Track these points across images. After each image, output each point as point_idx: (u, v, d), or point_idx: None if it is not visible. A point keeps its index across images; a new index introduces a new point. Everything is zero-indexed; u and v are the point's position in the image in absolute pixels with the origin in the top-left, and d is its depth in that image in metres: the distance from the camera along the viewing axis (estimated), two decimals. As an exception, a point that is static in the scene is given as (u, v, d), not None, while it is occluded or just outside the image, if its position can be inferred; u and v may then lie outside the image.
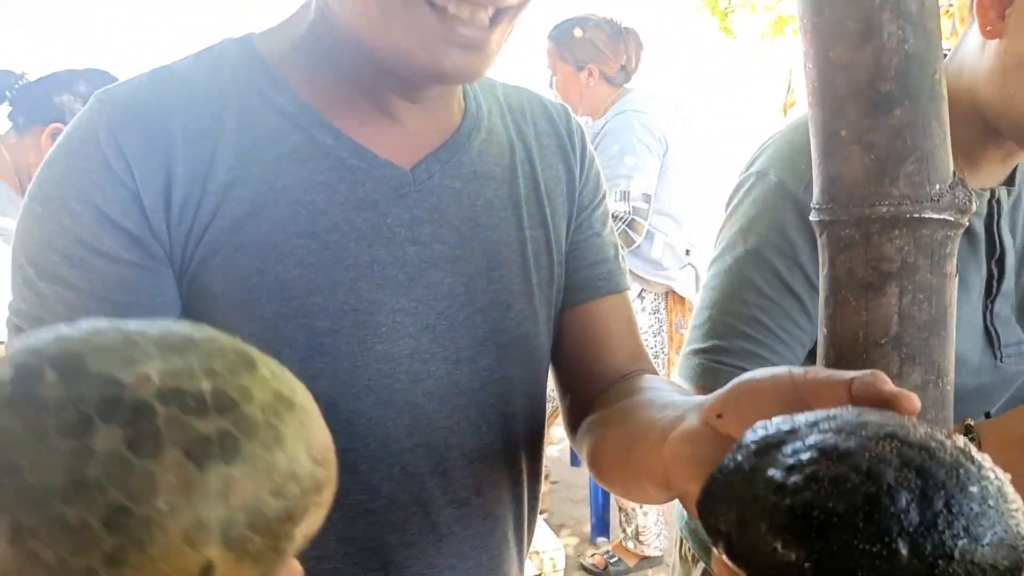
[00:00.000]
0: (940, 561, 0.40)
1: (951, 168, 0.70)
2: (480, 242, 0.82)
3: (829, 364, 0.75)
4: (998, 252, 1.09)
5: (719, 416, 0.56)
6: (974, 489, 0.42)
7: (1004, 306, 1.11)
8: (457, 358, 0.81)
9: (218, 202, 0.72)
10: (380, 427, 0.78)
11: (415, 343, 0.78)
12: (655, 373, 0.92)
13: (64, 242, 0.70)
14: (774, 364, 1.03)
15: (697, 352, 1.07)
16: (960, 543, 0.40)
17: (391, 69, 0.73)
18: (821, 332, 0.75)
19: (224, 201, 0.73)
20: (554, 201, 0.90)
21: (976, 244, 1.08)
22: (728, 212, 1.11)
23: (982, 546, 0.40)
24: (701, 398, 0.61)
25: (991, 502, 0.41)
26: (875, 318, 0.71)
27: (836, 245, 0.72)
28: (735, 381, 0.56)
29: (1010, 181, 1.11)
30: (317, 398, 0.46)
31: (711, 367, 1.04)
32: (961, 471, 0.42)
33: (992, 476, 0.43)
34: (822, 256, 0.74)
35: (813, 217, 0.74)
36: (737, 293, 1.05)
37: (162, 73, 0.76)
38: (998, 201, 1.09)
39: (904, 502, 0.40)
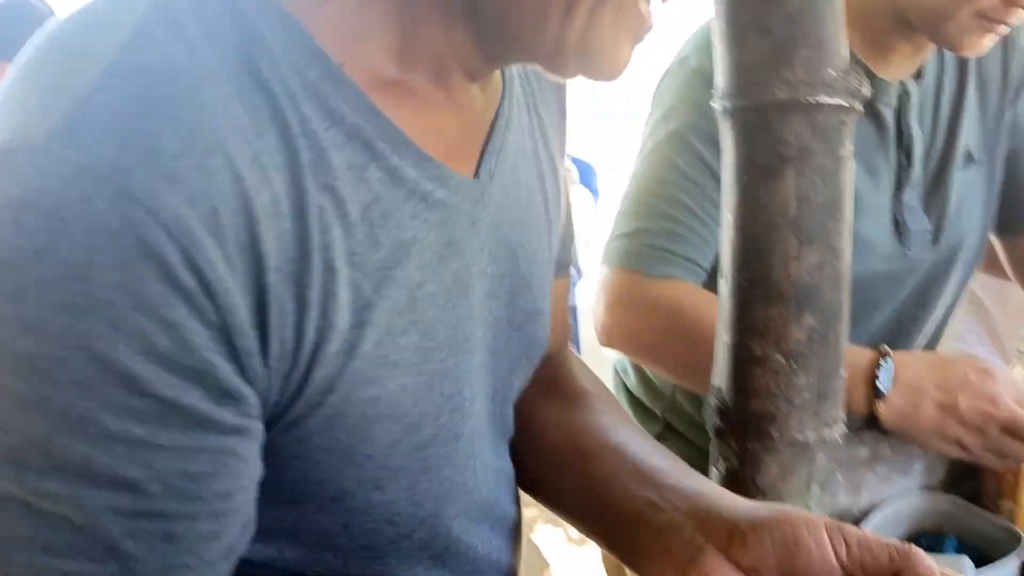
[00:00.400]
0: None
1: (846, 55, 0.73)
2: (524, 247, 0.65)
3: (733, 248, 0.79)
4: (906, 143, 1.13)
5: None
6: None
7: (912, 196, 1.16)
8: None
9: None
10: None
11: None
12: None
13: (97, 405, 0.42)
14: (695, 245, 1.07)
15: (620, 236, 1.10)
16: None
17: None
18: (725, 216, 0.79)
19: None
20: (553, 151, 0.72)
21: (885, 135, 1.12)
22: (653, 103, 1.14)
23: None
24: (692, 504, 0.59)
25: None
26: (774, 201, 0.75)
27: (737, 130, 0.75)
28: (768, 533, 0.54)
29: (920, 74, 1.14)
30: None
31: (635, 249, 1.08)
32: None
33: None
34: (724, 142, 0.77)
35: (716, 104, 0.77)
36: (659, 175, 1.08)
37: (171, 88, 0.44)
38: (907, 93, 1.12)
39: None
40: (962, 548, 1.04)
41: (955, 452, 1.00)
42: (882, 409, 0.98)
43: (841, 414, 0.83)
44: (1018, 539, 0.99)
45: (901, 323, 1.22)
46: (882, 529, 1.06)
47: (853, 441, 1.03)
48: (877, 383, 0.98)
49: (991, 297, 1.62)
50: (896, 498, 1.07)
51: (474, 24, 0.54)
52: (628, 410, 1.26)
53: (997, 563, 0.96)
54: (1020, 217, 1.28)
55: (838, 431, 0.82)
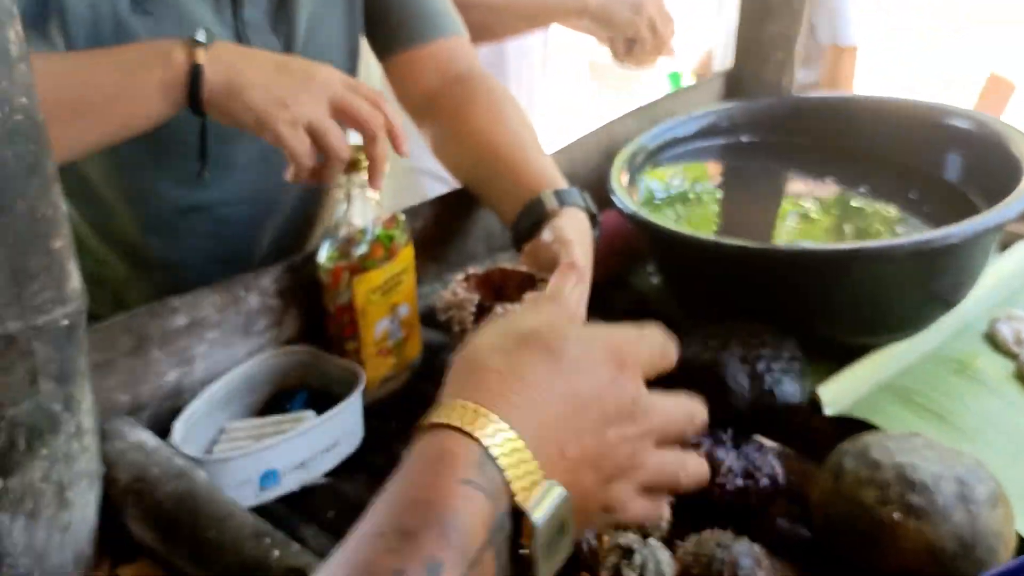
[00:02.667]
0: None
1: None
2: None
3: None
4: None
5: None
6: None
7: (254, 13, 1.06)
8: None
9: None
10: None
11: None
12: None
13: None
14: None
15: None
16: None
17: None
18: None
19: None
20: None
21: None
22: None
23: None
24: None
25: None
26: None
27: None
28: None
29: None
30: None
31: None
32: None
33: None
34: None
35: None
36: None
37: None
38: None
39: None
40: (315, 398, 1.00)
41: (273, 128, 0.91)
42: (203, 59, 0.88)
43: (67, 292, 0.69)
44: (359, 375, 0.96)
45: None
46: (235, 393, 0.98)
47: (166, 310, 0.91)
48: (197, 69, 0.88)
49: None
50: (247, 362, 0.99)
51: None
52: None
53: (338, 406, 0.93)
54: (390, 33, 1.23)
55: (64, 313, 0.68)
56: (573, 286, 0.93)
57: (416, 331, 1.06)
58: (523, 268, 0.97)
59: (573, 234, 0.98)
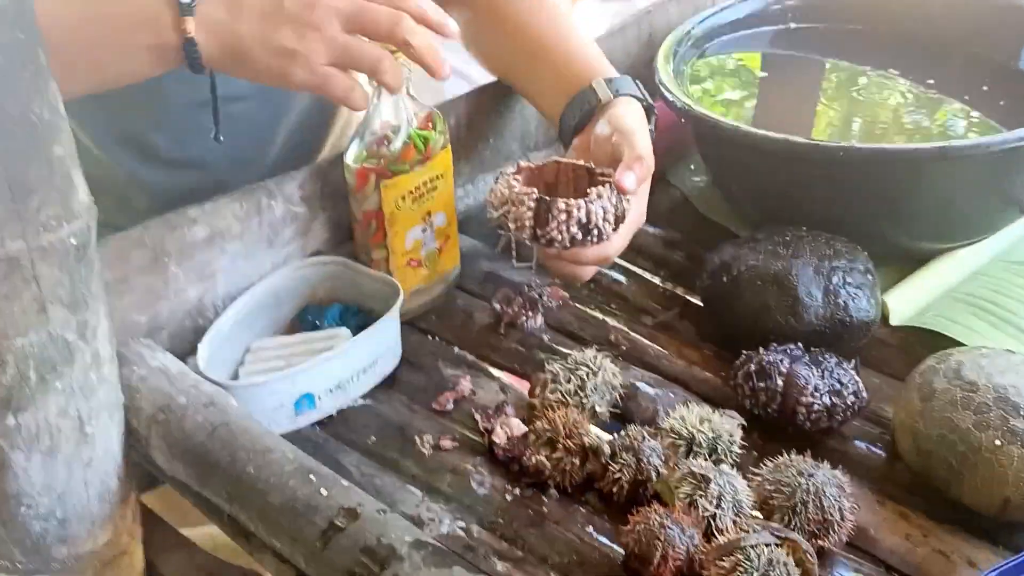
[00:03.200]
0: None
1: None
2: None
3: None
4: None
5: None
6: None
7: None
8: None
9: None
10: None
11: None
12: None
13: None
14: None
15: None
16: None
17: None
18: None
19: None
20: None
21: None
22: None
23: None
24: None
25: None
26: None
27: None
28: None
29: None
30: None
31: None
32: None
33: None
34: None
35: None
36: None
37: None
38: None
39: None
40: (346, 313, 0.92)
41: (292, 81, 0.80)
42: (193, 28, 0.77)
43: (74, 206, 0.60)
44: (396, 290, 0.88)
45: None
46: (260, 309, 0.90)
47: (184, 221, 0.83)
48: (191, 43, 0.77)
49: None
50: (273, 274, 0.91)
51: None
52: None
53: (377, 323, 0.85)
54: None
55: (71, 231, 0.60)
56: (640, 181, 0.85)
57: (453, 241, 0.97)
58: (579, 161, 0.88)
59: (634, 124, 0.89)
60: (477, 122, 1.06)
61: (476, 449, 0.81)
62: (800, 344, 0.85)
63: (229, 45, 0.77)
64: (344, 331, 0.88)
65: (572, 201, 0.81)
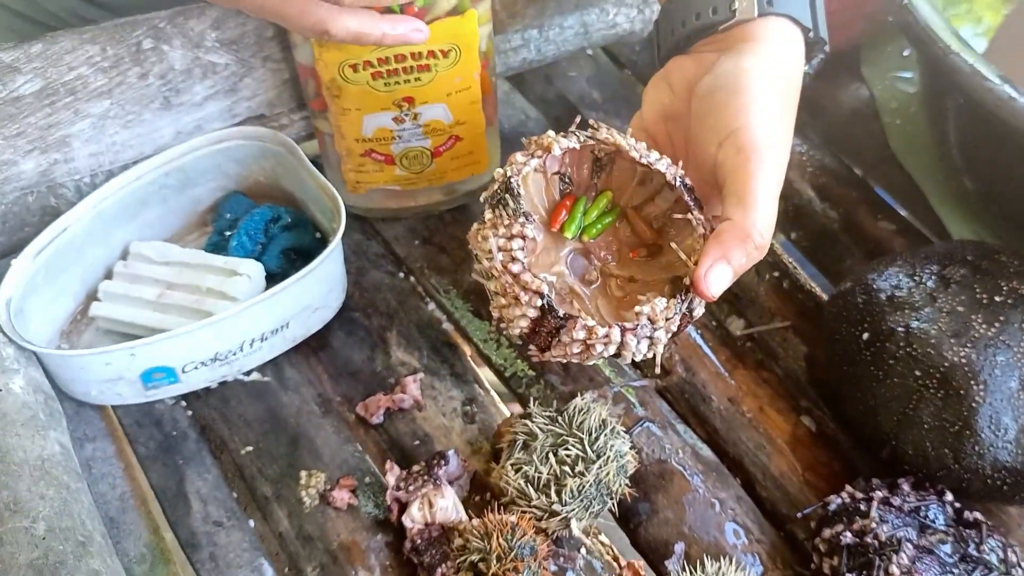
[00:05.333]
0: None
1: None
2: None
3: None
4: None
5: None
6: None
7: None
8: None
9: None
10: None
11: None
12: None
13: None
14: None
15: None
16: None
17: None
18: None
19: None
20: None
21: None
22: None
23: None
24: None
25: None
26: None
27: None
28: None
29: None
30: None
31: None
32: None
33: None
34: None
35: None
36: None
37: None
38: None
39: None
40: (274, 223, 0.61)
41: None
42: None
43: None
44: (338, 210, 0.56)
45: None
46: (155, 192, 0.60)
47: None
48: None
49: None
50: (177, 146, 0.60)
51: None
52: None
53: (294, 278, 0.55)
54: None
55: None
56: (737, 274, 0.48)
57: (476, 145, 0.62)
58: (651, 156, 0.49)
59: (770, 124, 0.49)
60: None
61: (382, 522, 0.53)
62: (950, 496, 0.50)
63: None
64: (251, 268, 0.58)
65: (599, 328, 0.46)
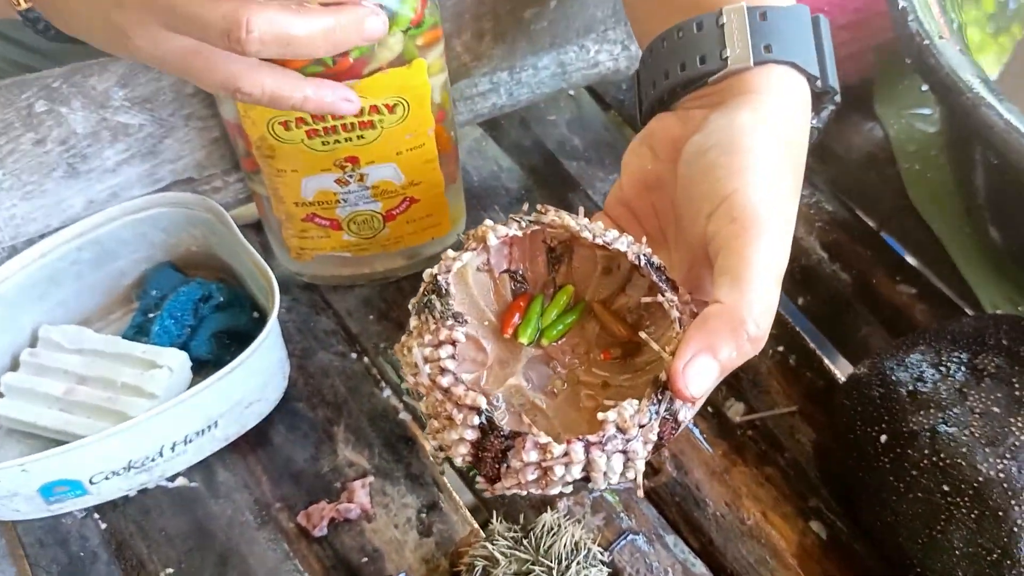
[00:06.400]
0: None
1: None
2: None
3: None
4: None
5: None
6: None
7: None
8: None
9: None
10: None
11: None
12: None
13: None
14: None
15: None
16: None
17: None
18: None
19: None
20: None
21: None
22: None
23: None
24: None
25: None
26: None
27: None
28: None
29: None
30: None
31: None
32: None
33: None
34: None
35: None
36: None
37: None
38: None
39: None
40: (204, 303, 0.54)
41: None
42: None
43: None
44: (272, 289, 0.49)
45: None
46: (68, 269, 0.53)
47: None
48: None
49: None
50: (90, 216, 0.53)
51: None
52: None
53: (222, 372, 0.47)
54: None
55: None
56: (725, 372, 0.39)
57: (436, 206, 0.55)
58: (606, 238, 0.41)
59: (764, 198, 0.40)
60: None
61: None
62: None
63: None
64: (174, 359, 0.51)
65: (555, 445, 0.37)
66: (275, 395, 0.53)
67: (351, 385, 0.55)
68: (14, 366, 0.53)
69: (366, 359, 0.57)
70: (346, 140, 0.49)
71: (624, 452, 0.39)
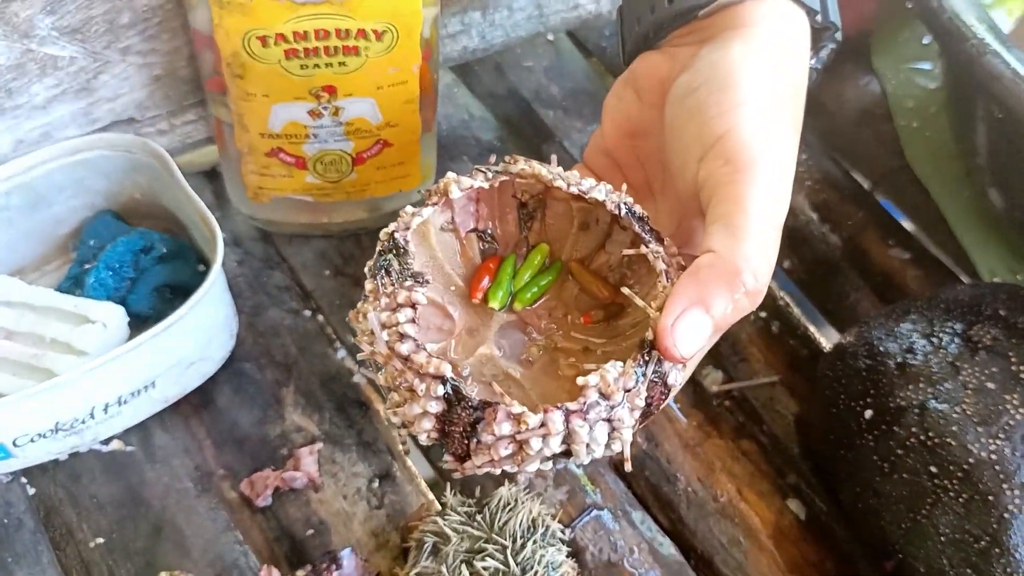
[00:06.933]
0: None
1: None
2: None
3: None
4: None
5: None
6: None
7: None
8: None
9: None
10: None
11: None
12: None
13: None
14: None
15: None
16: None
17: None
18: None
19: None
20: None
21: None
22: None
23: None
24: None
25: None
26: None
27: None
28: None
29: None
30: None
31: None
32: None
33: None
34: None
35: None
36: None
37: None
38: None
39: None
40: (144, 253, 0.50)
41: None
42: None
43: None
44: (215, 238, 0.45)
45: None
46: None
47: None
48: None
49: None
50: (20, 158, 0.48)
51: None
52: None
53: (159, 327, 0.44)
54: None
55: None
56: (720, 331, 0.36)
57: (407, 155, 0.51)
58: (582, 187, 0.37)
59: (761, 138, 0.36)
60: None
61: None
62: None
63: None
64: (109, 314, 0.47)
65: (529, 415, 0.34)
66: (220, 354, 0.50)
67: (302, 345, 0.52)
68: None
69: (320, 317, 0.53)
70: (326, 66, 0.45)
71: (609, 420, 0.35)
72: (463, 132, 0.61)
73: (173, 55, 0.48)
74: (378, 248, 0.37)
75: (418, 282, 0.36)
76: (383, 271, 0.36)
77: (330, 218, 0.54)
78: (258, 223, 0.54)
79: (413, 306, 0.35)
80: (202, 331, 0.47)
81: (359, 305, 0.37)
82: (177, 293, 0.51)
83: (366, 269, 0.37)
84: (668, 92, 0.41)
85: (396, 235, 0.36)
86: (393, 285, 0.35)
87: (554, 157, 0.40)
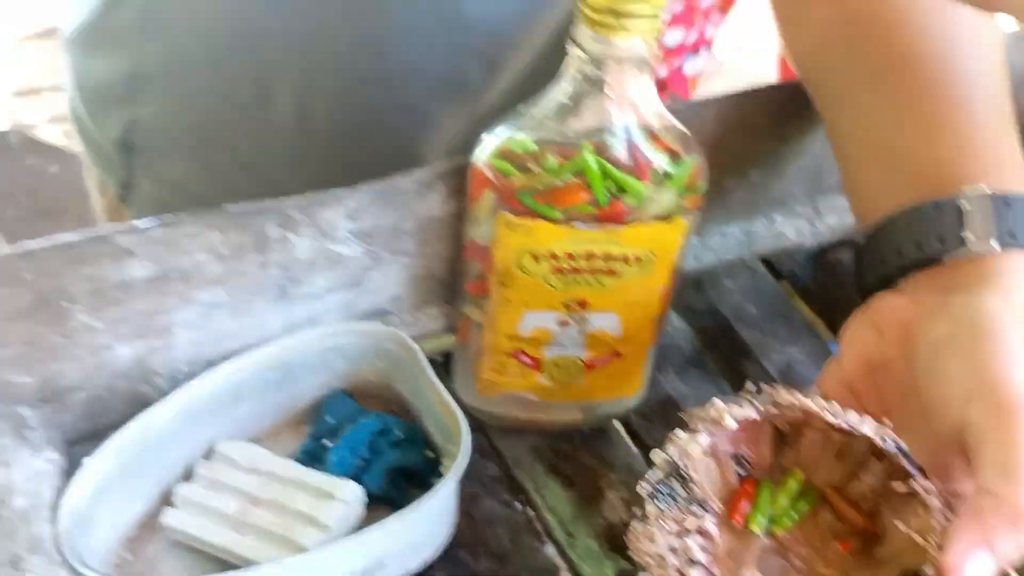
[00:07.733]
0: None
1: None
2: None
3: None
4: None
5: None
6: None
7: None
8: None
9: None
10: None
11: None
12: None
13: None
14: None
15: None
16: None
17: None
18: None
19: None
20: None
21: None
22: None
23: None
24: None
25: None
26: None
27: None
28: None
29: None
30: None
31: None
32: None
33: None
34: None
35: None
36: None
37: None
38: None
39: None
40: (382, 438, 0.53)
41: None
42: None
43: None
44: (457, 433, 0.48)
45: None
46: (255, 387, 0.53)
47: (105, 250, 0.46)
48: None
49: None
50: (285, 338, 0.53)
51: None
52: None
53: (400, 513, 0.47)
54: None
55: None
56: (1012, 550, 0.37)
57: (631, 366, 0.54)
58: (849, 421, 0.40)
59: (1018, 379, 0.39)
60: (731, 141, 0.58)
61: None
62: None
63: None
64: (351, 494, 0.50)
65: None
66: (441, 540, 0.52)
67: (514, 537, 0.53)
68: (187, 477, 0.53)
69: (530, 511, 0.55)
70: (585, 283, 0.49)
71: None
72: (665, 341, 0.64)
73: (434, 258, 0.53)
74: (658, 472, 0.39)
75: (706, 510, 0.38)
76: (667, 495, 0.38)
77: (548, 416, 0.57)
78: (478, 414, 0.57)
79: (703, 533, 0.37)
80: (433, 518, 0.50)
81: (638, 526, 0.39)
82: (404, 475, 0.53)
83: (639, 490, 0.39)
84: (913, 334, 0.44)
85: (679, 463, 0.39)
86: (682, 511, 0.37)
87: (815, 388, 0.43)
